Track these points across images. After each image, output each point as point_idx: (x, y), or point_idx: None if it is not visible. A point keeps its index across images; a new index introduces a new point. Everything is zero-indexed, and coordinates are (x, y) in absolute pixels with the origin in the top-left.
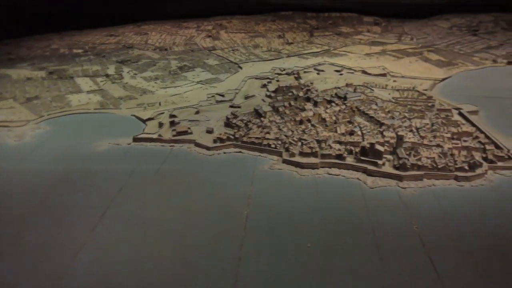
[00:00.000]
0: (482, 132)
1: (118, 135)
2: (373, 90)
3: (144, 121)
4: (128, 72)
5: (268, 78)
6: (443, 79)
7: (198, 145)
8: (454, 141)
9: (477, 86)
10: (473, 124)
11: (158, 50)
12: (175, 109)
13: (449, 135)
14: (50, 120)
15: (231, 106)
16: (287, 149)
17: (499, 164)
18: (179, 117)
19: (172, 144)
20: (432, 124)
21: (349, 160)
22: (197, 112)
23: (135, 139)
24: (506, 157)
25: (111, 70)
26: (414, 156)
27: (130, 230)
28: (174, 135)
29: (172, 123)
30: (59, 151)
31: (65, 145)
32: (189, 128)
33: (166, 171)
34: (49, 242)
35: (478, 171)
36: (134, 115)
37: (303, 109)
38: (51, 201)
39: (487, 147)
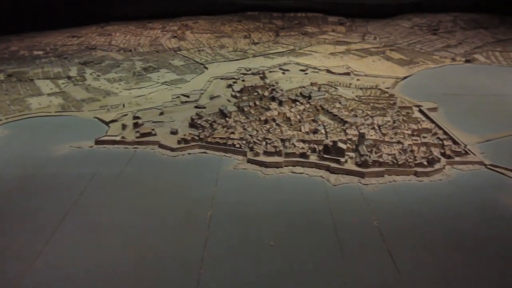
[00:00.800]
0: (440, 128)
1: (80, 138)
2: (337, 89)
3: (107, 123)
4: (91, 74)
5: (233, 78)
6: (405, 77)
7: (162, 146)
8: (414, 138)
9: (437, 83)
10: (432, 121)
11: (122, 51)
12: (139, 110)
13: (409, 131)
14: (8, 124)
15: (196, 107)
16: (251, 149)
17: (457, 159)
18: (143, 119)
19: (135, 146)
20: (394, 122)
21: (313, 158)
22: (161, 113)
23: (98, 142)
24: (463, 152)
25: (73, 72)
26: (376, 153)
27: (90, 234)
28: (137, 137)
29: (136, 125)
30: (18, 156)
31: (24, 149)
32: (153, 129)
33: (129, 173)
34: (4, 250)
35: (437, 166)
36: (97, 117)
37: (268, 109)
38: (7, 208)
39: (445, 142)
